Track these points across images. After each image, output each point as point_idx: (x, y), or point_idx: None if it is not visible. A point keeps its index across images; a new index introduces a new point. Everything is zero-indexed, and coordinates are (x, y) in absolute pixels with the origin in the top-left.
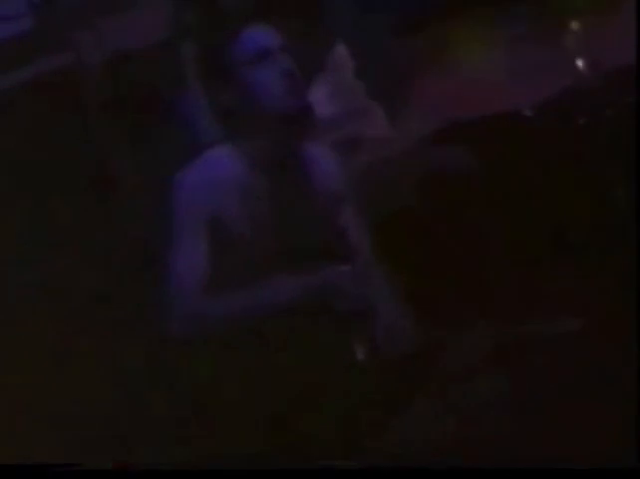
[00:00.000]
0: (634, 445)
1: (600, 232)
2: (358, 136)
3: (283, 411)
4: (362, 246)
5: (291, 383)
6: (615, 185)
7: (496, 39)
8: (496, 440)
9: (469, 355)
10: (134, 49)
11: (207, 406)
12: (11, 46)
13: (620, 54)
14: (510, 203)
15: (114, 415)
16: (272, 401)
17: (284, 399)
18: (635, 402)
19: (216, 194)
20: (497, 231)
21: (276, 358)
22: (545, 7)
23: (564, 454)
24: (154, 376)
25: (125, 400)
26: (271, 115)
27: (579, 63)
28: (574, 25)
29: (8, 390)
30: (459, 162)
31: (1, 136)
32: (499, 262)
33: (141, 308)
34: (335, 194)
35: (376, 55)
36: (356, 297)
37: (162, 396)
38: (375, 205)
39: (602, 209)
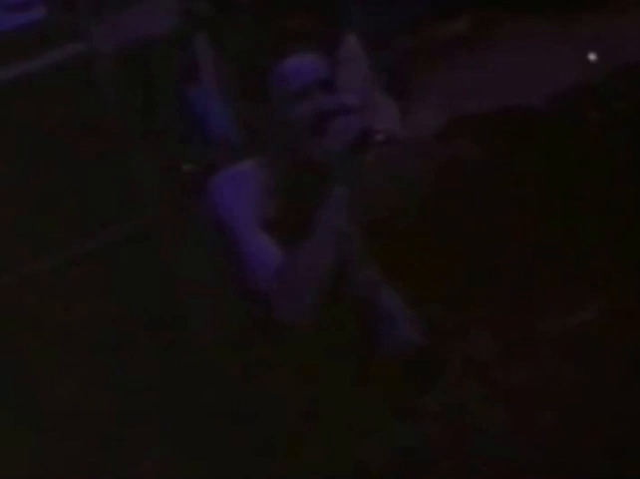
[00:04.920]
0: None
1: (612, 225)
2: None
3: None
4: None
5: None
6: (627, 178)
7: (510, 33)
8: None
9: (481, 349)
10: (146, 40)
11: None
12: (24, 35)
13: (632, 47)
14: (522, 197)
15: None
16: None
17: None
18: None
19: (256, 202)
20: (509, 224)
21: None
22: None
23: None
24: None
25: None
26: (303, 142)
27: (591, 56)
28: (586, 19)
29: None
30: (470, 156)
31: (13, 124)
32: (512, 255)
33: None
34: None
35: (388, 47)
36: None
37: None
38: (385, 199)
39: (614, 202)
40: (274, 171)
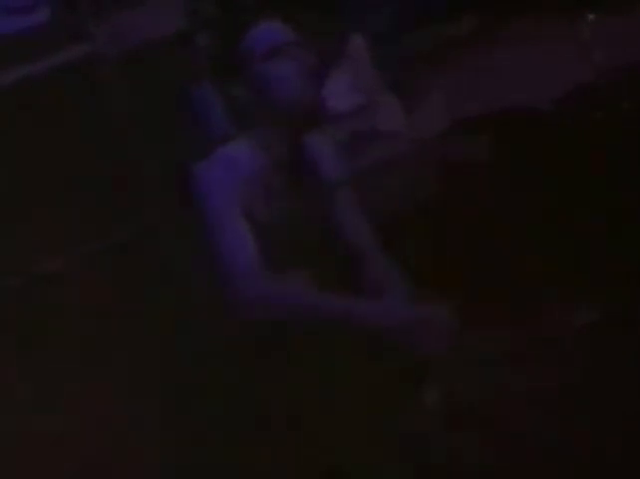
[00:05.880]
0: None
1: (616, 223)
2: (374, 128)
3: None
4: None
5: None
6: (631, 178)
7: (514, 33)
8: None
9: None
10: (149, 41)
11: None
12: (28, 37)
13: (635, 48)
14: (524, 197)
15: None
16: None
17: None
18: None
19: (241, 186)
20: (511, 224)
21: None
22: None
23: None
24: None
25: None
26: (285, 110)
27: (596, 57)
28: (592, 19)
29: None
30: (473, 157)
31: (17, 127)
32: (513, 255)
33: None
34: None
35: (392, 48)
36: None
37: None
38: (390, 197)
39: (615, 202)
40: (264, 153)
